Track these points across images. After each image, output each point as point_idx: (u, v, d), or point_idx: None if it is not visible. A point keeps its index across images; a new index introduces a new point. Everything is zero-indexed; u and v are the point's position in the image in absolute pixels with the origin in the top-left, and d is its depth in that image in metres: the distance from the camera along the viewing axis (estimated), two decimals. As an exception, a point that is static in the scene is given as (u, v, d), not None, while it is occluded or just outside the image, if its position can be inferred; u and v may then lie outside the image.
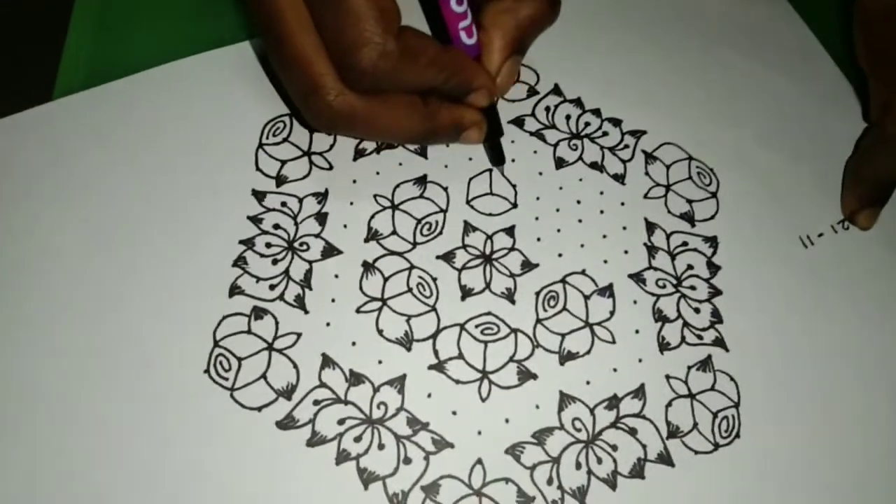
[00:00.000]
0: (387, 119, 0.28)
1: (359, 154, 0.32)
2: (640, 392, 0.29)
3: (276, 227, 0.30)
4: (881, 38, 0.32)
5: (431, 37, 0.28)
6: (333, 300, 0.29)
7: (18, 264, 0.28)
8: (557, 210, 0.32)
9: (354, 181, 0.31)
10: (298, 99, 0.28)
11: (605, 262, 0.31)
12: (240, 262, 0.29)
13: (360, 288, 0.29)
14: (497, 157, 0.32)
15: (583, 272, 0.31)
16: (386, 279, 0.30)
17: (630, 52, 0.36)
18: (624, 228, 0.32)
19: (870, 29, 0.33)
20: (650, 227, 0.32)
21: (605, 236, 0.32)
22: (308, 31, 0.26)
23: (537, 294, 0.30)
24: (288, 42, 0.26)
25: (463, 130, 0.30)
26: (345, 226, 0.30)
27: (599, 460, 0.28)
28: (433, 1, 0.29)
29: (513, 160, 0.33)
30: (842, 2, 0.36)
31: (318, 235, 0.30)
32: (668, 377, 0.29)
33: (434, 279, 0.30)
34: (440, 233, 0.31)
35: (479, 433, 0.28)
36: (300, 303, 0.29)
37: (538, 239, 0.31)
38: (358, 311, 0.29)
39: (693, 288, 0.31)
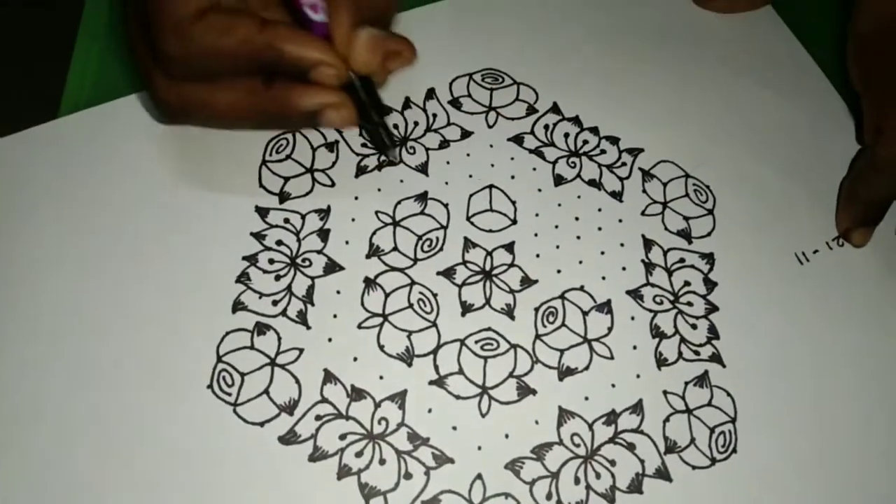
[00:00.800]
0: (222, 104, 0.27)
1: (360, 171, 0.32)
2: (638, 407, 0.29)
3: (279, 243, 0.31)
4: (873, 63, 0.33)
5: (254, 16, 0.26)
6: (335, 316, 0.29)
7: (24, 279, 0.29)
8: (556, 227, 0.32)
9: (356, 198, 0.32)
10: (150, 99, 0.28)
11: (604, 278, 0.32)
12: (243, 278, 0.30)
13: (362, 304, 0.30)
14: (380, 143, 0.31)
15: (581, 288, 0.31)
16: (387, 295, 0.30)
17: (627, 71, 0.37)
18: (622, 245, 0.33)
19: (862, 53, 0.33)
20: (647, 243, 0.33)
21: (603, 253, 0.32)
22: (140, 30, 0.27)
23: (536, 310, 0.31)
24: (133, 46, 0.27)
25: (315, 113, 0.28)
26: (347, 242, 0.31)
27: (598, 475, 0.28)
28: None
29: (512, 177, 0.33)
30: (837, 22, 0.37)
31: (320, 252, 0.31)
32: (665, 393, 0.30)
33: (435, 295, 0.30)
34: (441, 249, 0.31)
35: (479, 448, 0.28)
36: (302, 318, 0.29)
37: (537, 255, 0.32)
38: (359, 326, 0.29)
39: (690, 304, 0.32)
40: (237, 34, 0.26)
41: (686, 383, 0.30)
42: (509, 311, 0.30)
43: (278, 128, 0.32)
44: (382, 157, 0.32)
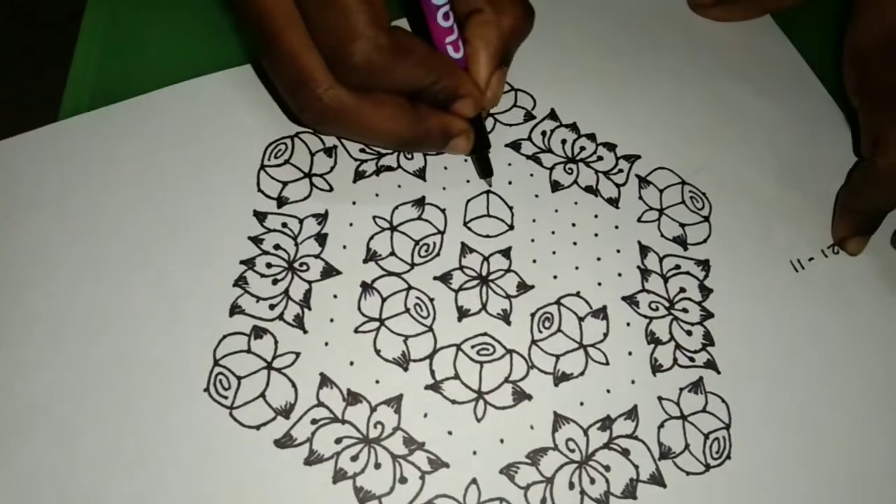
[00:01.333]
0: (375, 118, 0.28)
1: (358, 176, 0.33)
2: (632, 413, 0.30)
3: (277, 247, 0.31)
4: (869, 76, 0.33)
5: (422, 40, 0.28)
6: (332, 320, 0.30)
7: (22, 283, 0.29)
8: (553, 232, 0.33)
9: (354, 203, 0.32)
10: (288, 93, 0.28)
11: (599, 284, 0.32)
12: (240, 281, 0.30)
13: (359, 308, 0.30)
14: (485, 169, 0.33)
15: (577, 294, 0.31)
16: (384, 300, 0.30)
17: (625, 78, 0.37)
18: (618, 251, 0.33)
19: (859, 66, 0.34)
20: (643, 250, 0.33)
21: (599, 259, 0.32)
22: (298, 27, 0.26)
23: (532, 315, 0.31)
24: (279, 38, 0.27)
25: (451, 138, 0.30)
26: (344, 247, 0.31)
27: (592, 481, 0.28)
28: (420, 17, 0.29)
29: (509, 183, 0.33)
30: (835, 33, 0.37)
31: (317, 256, 0.31)
32: (660, 399, 0.30)
33: (431, 300, 0.31)
34: (438, 254, 0.31)
35: (475, 453, 0.28)
36: (299, 322, 0.29)
37: (534, 261, 0.32)
38: (356, 331, 0.29)
39: (685, 311, 0.32)
40: (418, 54, 0.27)
41: (681, 389, 0.30)
42: (505, 317, 0.31)
43: (408, 148, 0.32)
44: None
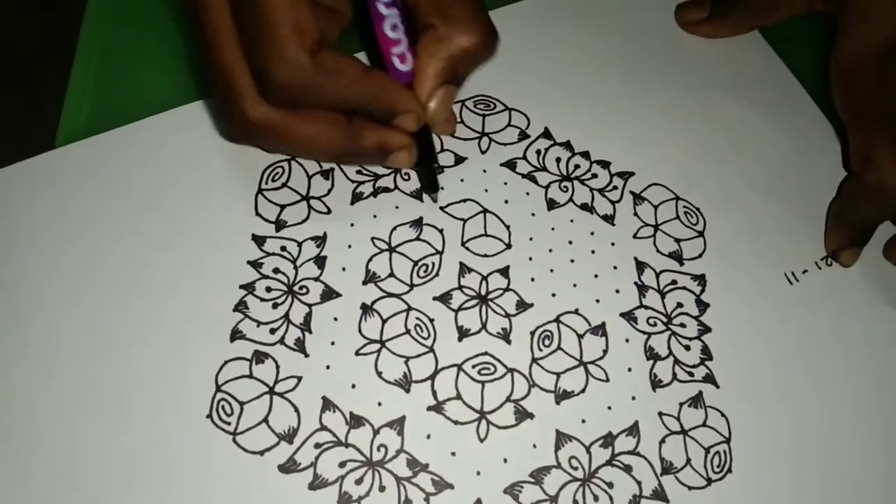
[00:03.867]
0: (305, 133, 0.28)
1: (356, 198, 0.33)
2: (634, 429, 0.30)
3: (276, 271, 0.31)
4: (856, 93, 0.34)
5: (355, 59, 0.28)
6: (333, 343, 0.30)
7: (21, 310, 0.29)
8: (550, 251, 0.33)
9: (352, 224, 0.32)
10: (218, 106, 0.28)
11: (598, 301, 0.32)
12: (241, 306, 0.30)
13: (359, 330, 0.30)
14: (430, 184, 0.33)
15: (576, 311, 0.32)
16: (384, 321, 0.30)
17: (617, 96, 0.37)
18: (615, 268, 0.33)
19: (845, 84, 0.34)
20: (640, 266, 0.33)
21: (596, 276, 0.33)
22: (231, 41, 0.27)
23: (532, 334, 0.31)
24: (214, 53, 0.27)
25: (389, 153, 0.30)
26: (343, 269, 0.31)
27: (596, 498, 0.28)
28: (369, 27, 0.29)
29: (506, 202, 0.34)
30: (822, 48, 0.38)
31: (317, 279, 0.31)
32: (660, 414, 0.30)
33: (431, 320, 0.31)
34: (436, 274, 0.32)
35: (478, 473, 0.28)
36: (300, 346, 0.29)
37: (532, 279, 0.32)
38: (357, 353, 0.30)
39: (683, 326, 0.32)
40: (347, 75, 0.27)
41: (681, 404, 0.31)
42: (505, 336, 0.31)
43: (347, 162, 0.32)
44: (424, 194, 0.33)
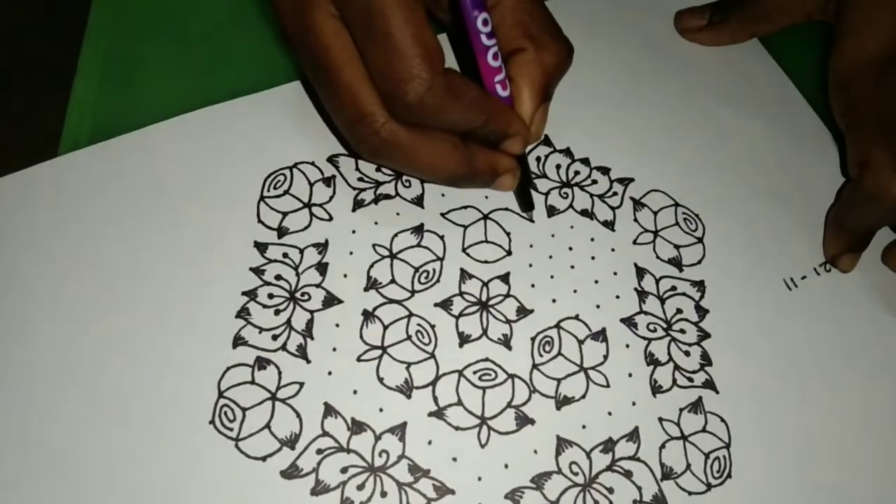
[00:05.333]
0: (428, 154, 0.29)
1: (357, 205, 0.33)
2: (634, 435, 0.30)
3: (278, 277, 0.31)
4: (853, 101, 0.34)
5: (473, 82, 0.29)
6: (335, 349, 0.30)
7: (24, 319, 0.29)
8: (550, 257, 0.33)
9: (354, 231, 0.32)
10: (346, 127, 0.29)
11: (598, 306, 0.32)
12: (243, 313, 0.30)
13: (361, 336, 0.30)
14: (527, 204, 0.34)
15: (576, 317, 0.32)
16: (385, 327, 0.31)
17: (617, 103, 0.37)
18: (615, 274, 0.33)
19: (843, 92, 0.35)
20: (640, 272, 0.33)
21: (596, 282, 0.33)
22: (355, 64, 0.27)
23: (533, 339, 0.31)
24: (336, 73, 0.27)
25: (498, 176, 0.31)
26: (345, 275, 0.31)
27: (596, 503, 0.28)
28: (470, 56, 0.30)
29: (506, 208, 0.34)
30: (820, 55, 0.38)
31: (318, 285, 0.31)
32: (661, 419, 0.30)
33: (432, 326, 0.31)
34: (437, 280, 0.32)
35: (480, 479, 0.28)
36: (302, 352, 0.30)
37: (532, 285, 0.32)
38: (359, 359, 0.30)
39: (683, 331, 0.32)
40: (470, 97, 0.28)
41: (681, 410, 0.31)
42: (506, 342, 0.31)
43: (456, 185, 0.33)
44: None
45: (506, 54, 0.31)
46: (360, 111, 0.28)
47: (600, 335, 0.32)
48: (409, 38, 0.26)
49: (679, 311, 0.33)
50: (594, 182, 0.35)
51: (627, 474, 0.29)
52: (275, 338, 0.30)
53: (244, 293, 0.30)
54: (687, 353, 0.32)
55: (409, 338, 0.30)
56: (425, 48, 0.26)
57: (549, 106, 0.32)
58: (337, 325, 0.30)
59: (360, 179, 0.33)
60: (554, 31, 0.31)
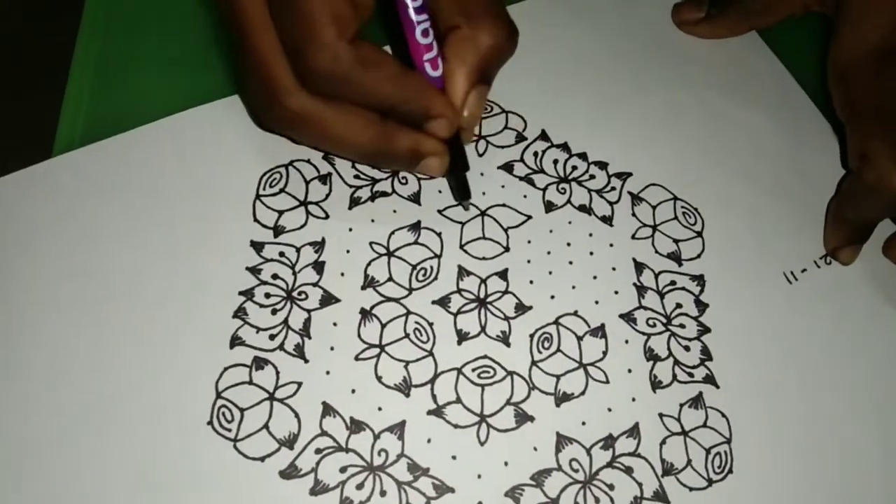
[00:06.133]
0: (339, 127, 0.28)
1: (354, 202, 0.33)
2: (634, 431, 0.30)
3: (275, 277, 0.31)
4: (853, 93, 0.34)
5: (392, 56, 0.28)
6: (332, 348, 0.30)
7: (20, 320, 0.29)
8: (548, 253, 0.33)
9: (350, 229, 0.32)
10: (254, 96, 0.28)
11: (597, 302, 0.32)
12: (240, 313, 0.30)
13: (359, 335, 0.30)
14: (462, 192, 0.33)
15: (575, 313, 0.32)
16: (383, 326, 0.30)
17: (614, 97, 0.37)
18: (613, 269, 0.33)
19: (842, 84, 0.34)
20: (639, 267, 0.33)
21: (595, 277, 0.33)
22: (268, 32, 0.27)
23: (531, 336, 0.31)
24: (248, 41, 0.27)
25: (421, 158, 0.30)
26: (342, 274, 0.31)
27: (597, 500, 0.28)
28: (401, 33, 0.29)
29: (503, 204, 0.34)
30: (819, 47, 0.38)
31: (316, 284, 0.31)
32: (661, 415, 0.30)
33: (430, 324, 0.31)
34: (435, 278, 0.32)
35: (479, 477, 0.28)
36: (300, 352, 0.29)
37: (531, 281, 0.32)
38: (357, 358, 0.30)
39: (682, 326, 0.32)
40: (384, 70, 0.27)
41: (681, 405, 0.31)
42: (505, 338, 0.31)
43: (375, 164, 0.32)
44: (456, 202, 0.33)
45: (443, 33, 0.30)
46: (269, 82, 0.27)
47: (599, 331, 0.31)
48: (319, 6, 0.25)
49: (678, 305, 0.33)
50: (592, 177, 0.35)
51: (628, 471, 0.29)
52: (272, 337, 0.30)
53: (241, 293, 0.30)
54: (687, 348, 0.32)
55: (407, 336, 0.30)
56: (332, 14, 0.25)
57: (488, 90, 0.31)
58: (334, 324, 0.30)
59: (357, 177, 0.33)
60: (495, 10, 0.30)
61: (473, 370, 0.30)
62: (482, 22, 0.29)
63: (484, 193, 0.34)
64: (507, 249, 0.33)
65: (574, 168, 0.35)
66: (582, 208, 0.34)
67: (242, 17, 0.27)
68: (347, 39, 0.26)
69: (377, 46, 0.27)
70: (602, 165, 0.35)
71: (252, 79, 0.28)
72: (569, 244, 0.33)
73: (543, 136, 0.36)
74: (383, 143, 0.29)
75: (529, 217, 0.34)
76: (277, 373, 0.29)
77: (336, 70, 0.26)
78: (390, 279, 0.31)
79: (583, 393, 0.30)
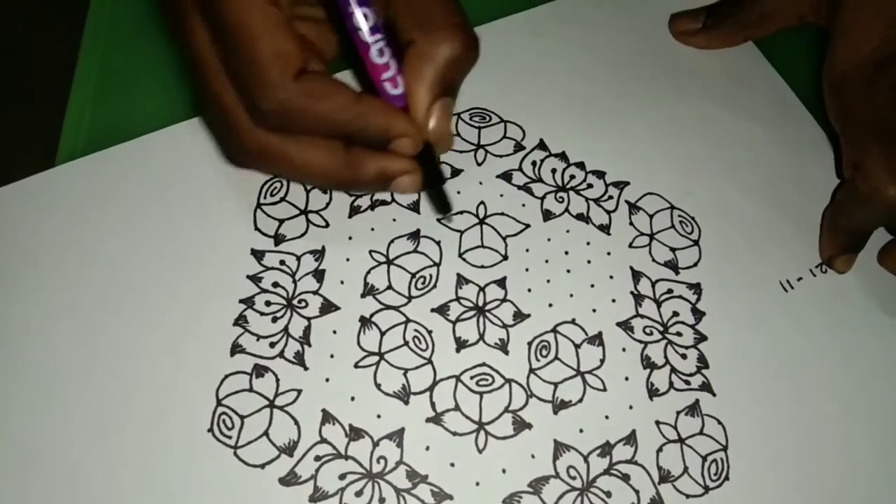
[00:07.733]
0: (302, 159, 0.28)
1: (354, 211, 0.33)
2: (631, 438, 0.30)
3: (276, 285, 0.31)
4: (847, 103, 0.34)
5: (344, 84, 0.27)
6: (332, 356, 0.30)
7: (22, 329, 0.29)
8: (546, 261, 0.33)
9: (350, 238, 0.32)
10: (216, 137, 0.29)
11: (594, 310, 0.32)
12: (240, 320, 0.30)
13: (358, 343, 0.30)
14: (440, 206, 0.33)
15: (573, 321, 0.32)
16: (383, 333, 0.31)
17: (612, 106, 0.37)
18: (611, 277, 0.33)
19: (836, 94, 0.35)
20: (636, 275, 0.34)
21: (592, 285, 0.33)
22: (221, 73, 0.27)
23: (530, 344, 0.31)
24: (201, 80, 0.27)
25: (390, 179, 0.29)
26: (342, 282, 0.31)
27: (594, 507, 0.29)
28: (357, 56, 0.28)
29: (502, 213, 0.34)
30: (814, 57, 0.38)
31: (316, 292, 0.31)
32: (658, 423, 0.30)
33: (429, 332, 0.31)
34: (434, 286, 0.32)
35: (478, 484, 0.28)
36: (300, 359, 0.30)
37: (529, 290, 0.32)
38: (356, 366, 0.30)
39: (679, 334, 0.32)
40: (335, 101, 0.27)
41: (678, 413, 0.31)
42: (503, 346, 0.31)
43: (347, 189, 0.32)
44: (440, 216, 0.33)
45: (402, 48, 0.29)
46: (226, 119, 0.27)
47: (597, 339, 0.32)
48: (260, 44, 0.25)
49: (675, 314, 0.33)
50: (589, 186, 0.35)
51: (625, 478, 0.29)
52: (272, 345, 0.30)
53: (241, 301, 0.30)
54: (683, 356, 0.32)
55: (406, 344, 0.31)
56: (277, 53, 0.26)
57: (454, 102, 0.30)
58: (334, 332, 0.30)
59: (357, 186, 0.34)
60: (452, 20, 0.28)
61: (472, 378, 0.30)
62: (438, 35, 0.28)
63: (482, 202, 0.34)
64: (505, 258, 0.33)
65: (572, 177, 0.35)
66: (580, 217, 0.35)
67: (195, 58, 0.27)
68: (292, 75, 0.26)
69: (327, 76, 0.27)
70: (600, 174, 0.36)
71: (213, 123, 0.28)
72: (567, 252, 0.34)
73: (542, 145, 0.36)
74: (350, 170, 0.29)
75: (528, 226, 0.34)
76: (277, 380, 0.29)
77: (285, 107, 0.26)
78: (390, 287, 0.32)
79: (580, 400, 0.30)
